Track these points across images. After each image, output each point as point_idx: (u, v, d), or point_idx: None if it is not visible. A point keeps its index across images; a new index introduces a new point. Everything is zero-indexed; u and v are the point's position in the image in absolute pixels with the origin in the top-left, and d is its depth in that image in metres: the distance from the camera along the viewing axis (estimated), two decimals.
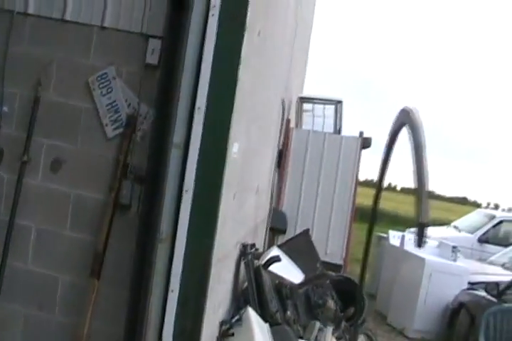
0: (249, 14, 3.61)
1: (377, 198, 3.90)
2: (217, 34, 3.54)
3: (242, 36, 3.59)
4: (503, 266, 11.52)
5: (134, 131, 3.84)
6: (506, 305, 7.45)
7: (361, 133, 9.28)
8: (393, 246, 10.61)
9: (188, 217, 3.54)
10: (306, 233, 7.51)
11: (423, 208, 2.75)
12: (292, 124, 9.66)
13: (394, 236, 10.99)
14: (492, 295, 8.02)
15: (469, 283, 9.35)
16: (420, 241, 2.97)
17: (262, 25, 4.46)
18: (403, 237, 10.43)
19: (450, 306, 9.08)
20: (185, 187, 3.53)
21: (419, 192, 2.74)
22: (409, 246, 10.12)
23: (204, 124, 3.52)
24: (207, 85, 3.52)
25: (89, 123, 3.86)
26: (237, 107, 3.63)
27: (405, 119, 3.11)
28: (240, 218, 4.95)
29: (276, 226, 8.51)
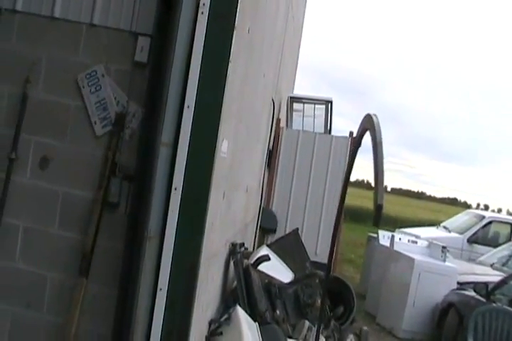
0: (238, 12, 3.61)
1: (344, 194, 4.40)
2: (207, 32, 3.53)
3: (232, 34, 3.59)
4: (491, 266, 11.56)
5: (123, 129, 3.83)
6: (495, 305, 7.48)
7: (351, 133, 9.30)
8: (383, 246, 10.63)
9: (176, 216, 3.53)
10: (295, 232, 7.52)
11: (379, 192, 3.19)
12: (282, 124, 9.66)
13: (384, 237, 11.01)
14: (481, 296, 8.05)
15: (458, 283, 9.38)
16: (377, 222, 3.42)
17: (252, 24, 4.45)
18: (393, 237, 10.45)
19: (439, 306, 9.10)
20: (173, 186, 3.53)
21: (376, 179, 3.26)
22: (399, 246, 10.14)
23: (193, 123, 3.52)
24: (196, 84, 3.52)
25: (78, 121, 3.85)
26: (226, 106, 3.63)
27: (367, 124, 3.66)
28: (229, 217, 4.95)
29: (266, 225, 8.53)
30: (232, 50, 3.59)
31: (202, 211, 3.60)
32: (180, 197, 3.53)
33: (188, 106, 3.52)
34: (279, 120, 9.12)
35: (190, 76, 3.52)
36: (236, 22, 3.61)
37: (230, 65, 3.60)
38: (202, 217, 3.60)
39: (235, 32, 3.60)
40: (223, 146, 3.88)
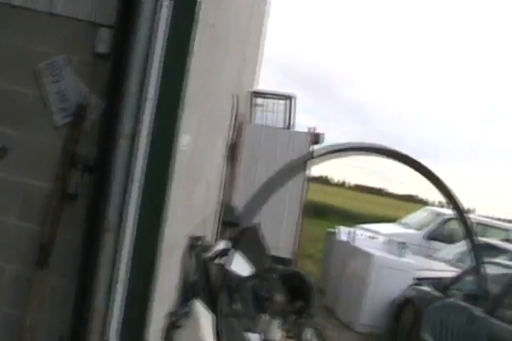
0: (202, 6, 3.61)
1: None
2: (169, 25, 3.53)
3: (194, 27, 3.59)
4: (448, 262, 11.74)
5: (83, 120, 3.80)
6: (450, 300, 7.61)
7: (311, 129, 9.36)
8: (343, 242, 10.72)
9: (136, 207, 3.53)
10: (256, 227, 7.53)
11: None
12: (244, 118, 9.68)
13: (343, 232, 11.10)
14: (437, 291, 8.19)
15: (416, 278, 9.51)
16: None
17: (215, 18, 4.46)
18: (352, 233, 10.55)
19: (397, 301, 9.22)
20: (133, 178, 3.52)
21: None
22: (359, 241, 10.24)
23: (153, 115, 3.52)
24: (157, 76, 3.52)
25: (37, 111, 3.80)
26: (187, 99, 3.63)
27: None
28: (190, 210, 4.95)
29: (228, 219, 8.53)
30: (194, 43, 3.59)
31: (161, 204, 3.60)
32: (140, 189, 3.53)
33: (149, 98, 3.52)
34: (241, 114, 9.13)
35: (151, 68, 3.52)
36: (199, 15, 3.61)
37: (192, 58, 3.60)
38: (161, 210, 3.61)
39: (197, 25, 3.61)
40: (184, 139, 3.88)
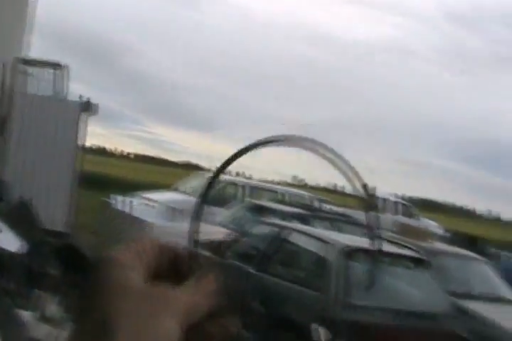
0: None
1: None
2: None
3: None
4: (223, 225, 12.16)
5: None
6: (226, 261, 7.92)
7: (81, 97, 9.15)
8: (119, 211, 10.63)
9: None
10: (24, 200, 7.26)
11: None
12: (13, 88, 9.20)
13: (121, 202, 11.01)
14: (214, 253, 8.46)
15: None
16: None
17: None
18: (131, 203, 10.52)
19: None
20: None
21: None
22: (137, 211, 10.24)
23: None
24: None
25: None
26: None
27: None
28: None
29: None
30: None
31: None
32: None
33: None
34: (10, 84, 8.67)
35: None
36: None
37: None
38: None
39: None
40: None
